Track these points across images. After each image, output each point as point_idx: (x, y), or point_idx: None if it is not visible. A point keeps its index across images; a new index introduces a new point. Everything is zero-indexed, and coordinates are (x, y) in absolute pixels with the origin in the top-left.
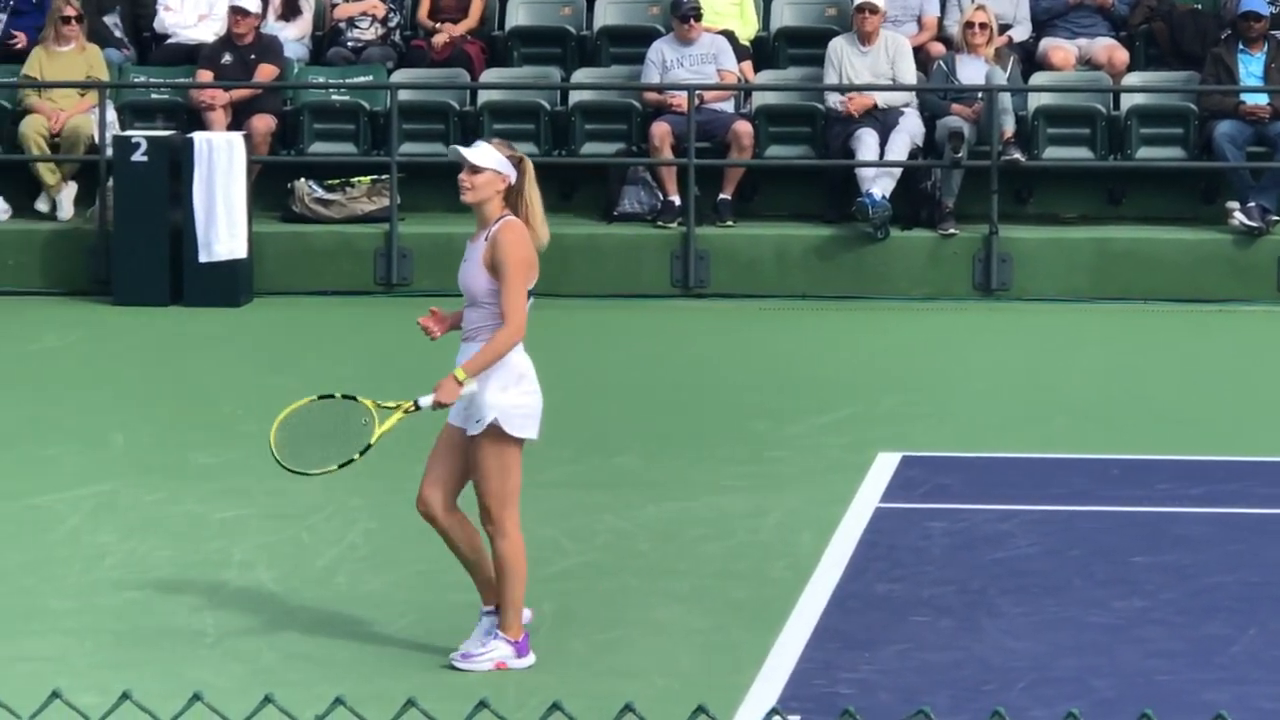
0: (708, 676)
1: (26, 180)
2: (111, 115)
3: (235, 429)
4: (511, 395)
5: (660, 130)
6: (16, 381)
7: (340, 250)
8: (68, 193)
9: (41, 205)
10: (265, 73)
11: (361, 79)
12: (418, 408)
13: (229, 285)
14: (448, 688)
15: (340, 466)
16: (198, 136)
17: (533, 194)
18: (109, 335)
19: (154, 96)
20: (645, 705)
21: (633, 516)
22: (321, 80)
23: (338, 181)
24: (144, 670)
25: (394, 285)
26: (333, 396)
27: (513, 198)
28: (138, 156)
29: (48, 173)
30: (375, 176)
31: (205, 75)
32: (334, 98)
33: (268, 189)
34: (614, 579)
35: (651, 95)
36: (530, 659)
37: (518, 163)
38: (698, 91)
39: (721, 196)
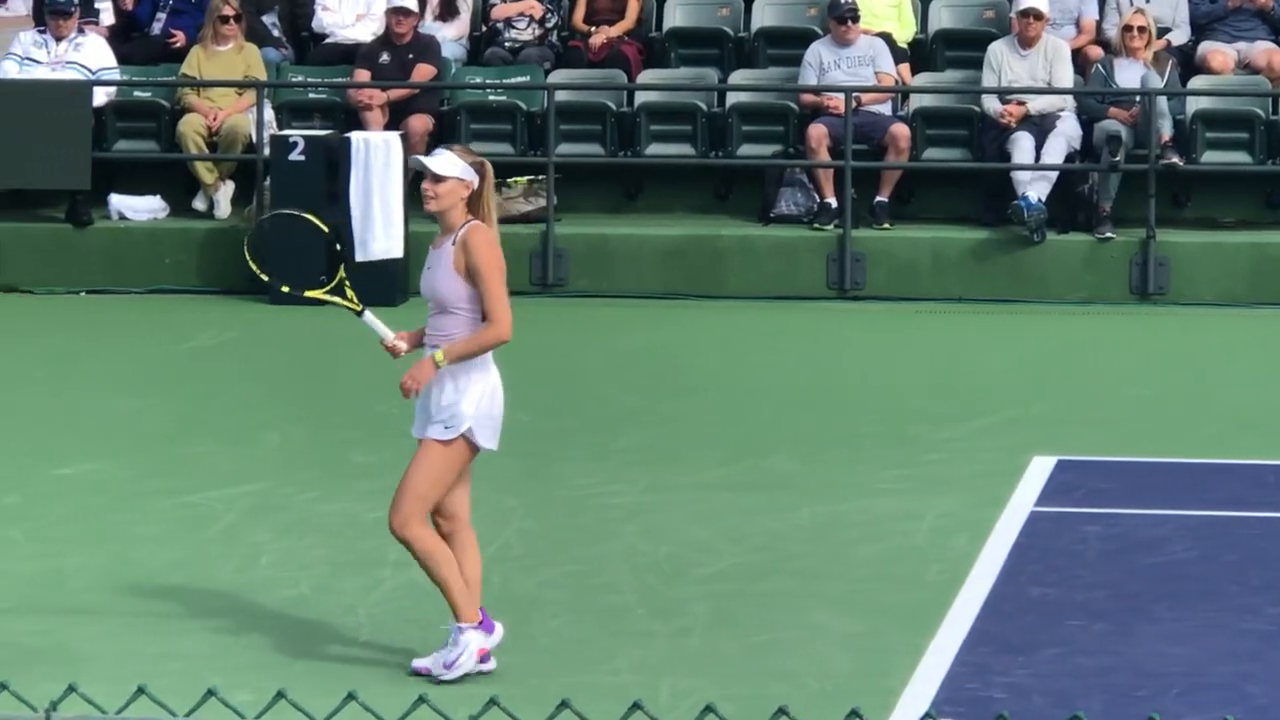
0: (861, 680)
1: (184, 179)
2: (269, 114)
3: (390, 428)
4: (484, 405)
5: (817, 132)
6: (172, 379)
7: None
8: (225, 191)
9: (199, 204)
10: (423, 73)
11: (519, 79)
12: (360, 314)
13: (385, 284)
14: (600, 689)
15: (269, 279)
16: (355, 136)
17: (490, 198)
18: (264, 334)
19: (311, 96)
20: (799, 708)
21: (787, 519)
22: (479, 80)
23: (495, 182)
24: (297, 669)
25: (550, 285)
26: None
27: (475, 203)
28: (295, 156)
29: (205, 171)
30: (532, 177)
31: (363, 75)
32: (491, 98)
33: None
34: (768, 581)
35: (809, 97)
36: (499, 632)
37: (479, 167)
38: (855, 94)
39: (878, 199)
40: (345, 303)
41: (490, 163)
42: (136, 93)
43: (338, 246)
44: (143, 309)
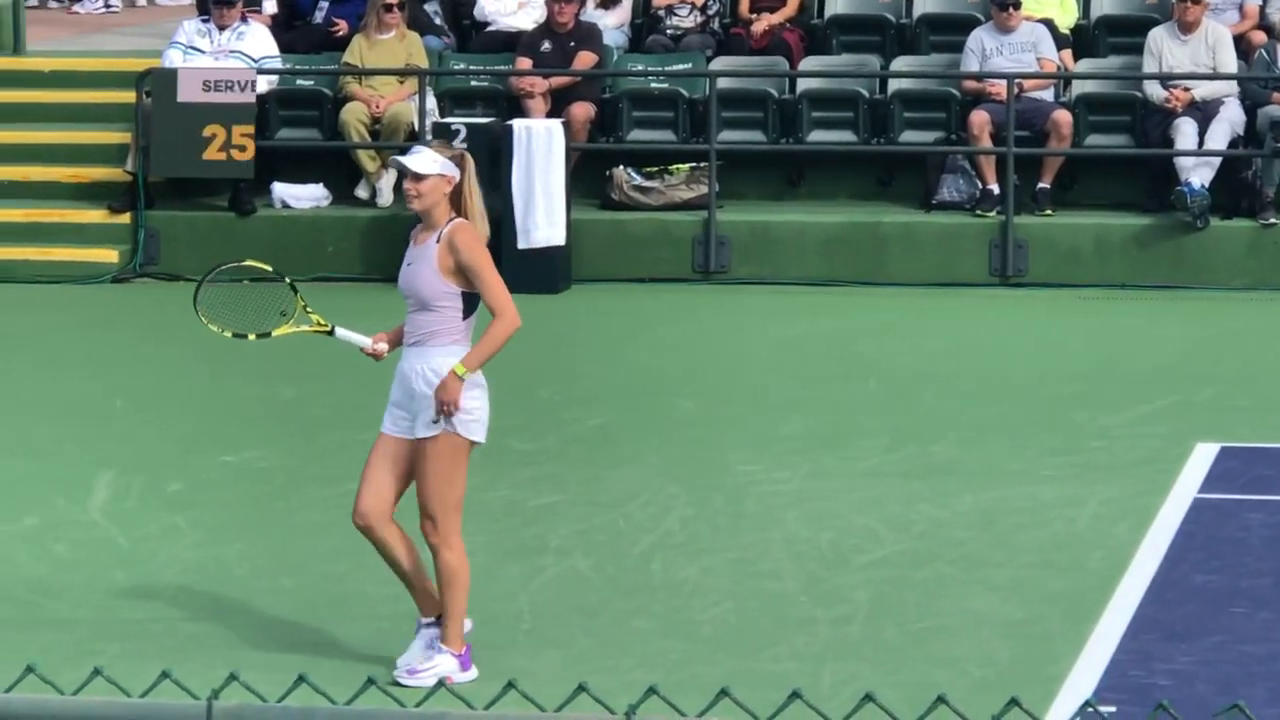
0: (1023, 667)
1: (347, 167)
2: (431, 102)
3: (551, 415)
4: (467, 399)
5: (979, 119)
6: (335, 367)
7: (658, 237)
8: (387, 180)
9: (361, 192)
10: (584, 60)
11: (680, 67)
12: (331, 333)
13: (547, 272)
14: (760, 675)
15: (232, 335)
16: (517, 124)
17: (473, 189)
18: None
19: (473, 84)
20: (960, 696)
21: (950, 505)
22: (640, 68)
23: (656, 169)
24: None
25: (712, 273)
26: (279, 279)
27: (457, 198)
28: (457, 143)
29: (368, 160)
30: (694, 164)
31: (524, 63)
32: (653, 85)
33: (586, 176)
34: (930, 568)
35: (970, 83)
36: (473, 672)
37: (460, 161)
38: (1017, 80)
39: (1040, 185)
40: (314, 328)
41: (469, 156)
42: (299, 81)
43: (287, 279)
44: (305, 297)
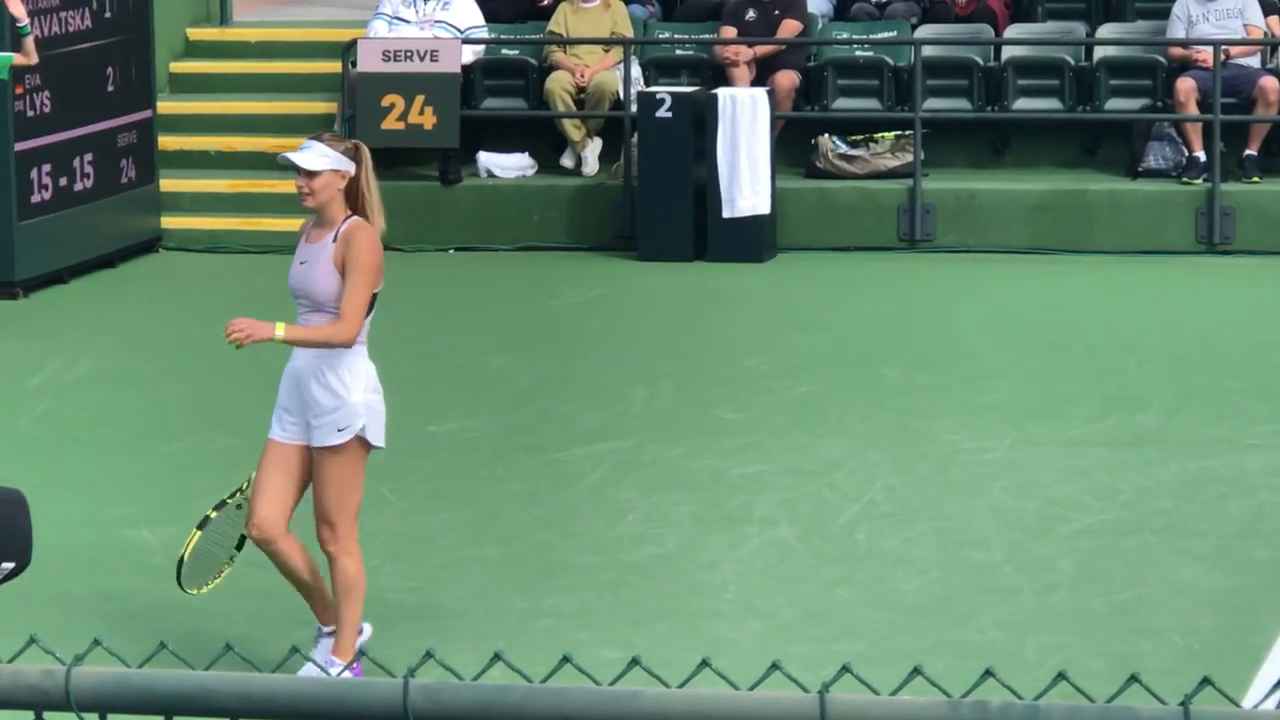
0: (1228, 637)
1: (552, 136)
2: (636, 71)
3: (757, 385)
4: (372, 401)
5: (1185, 86)
6: (540, 336)
7: (863, 206)
8: (593, 148)
9: (567, 161)
10: (789, 29)
11: (885, 35)
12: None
13: (752, 241)
14: (965, 646)
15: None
16: (721, 92)
17: (370, 182)
18: (632, 290)
19: (678, 53)
20: (1163, 666)
21: (1154, 474)
22: (845, 36)
23: (861, 137)
24: (661, 625)
25: (917, 241)
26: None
27: (354, 192)
28: (662, 113)
29: (573, 129)
30: (899, 132)
31: (729, 31)
32: (858, 54)
33: (791, 145)
34: (1135, 538)
35: (1176, 50)
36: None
37: (354, 153)
38: (1223, 46)
39: (1247, 152)
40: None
41: (365, 145)
42: (504, 51)
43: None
44: (511, 266)
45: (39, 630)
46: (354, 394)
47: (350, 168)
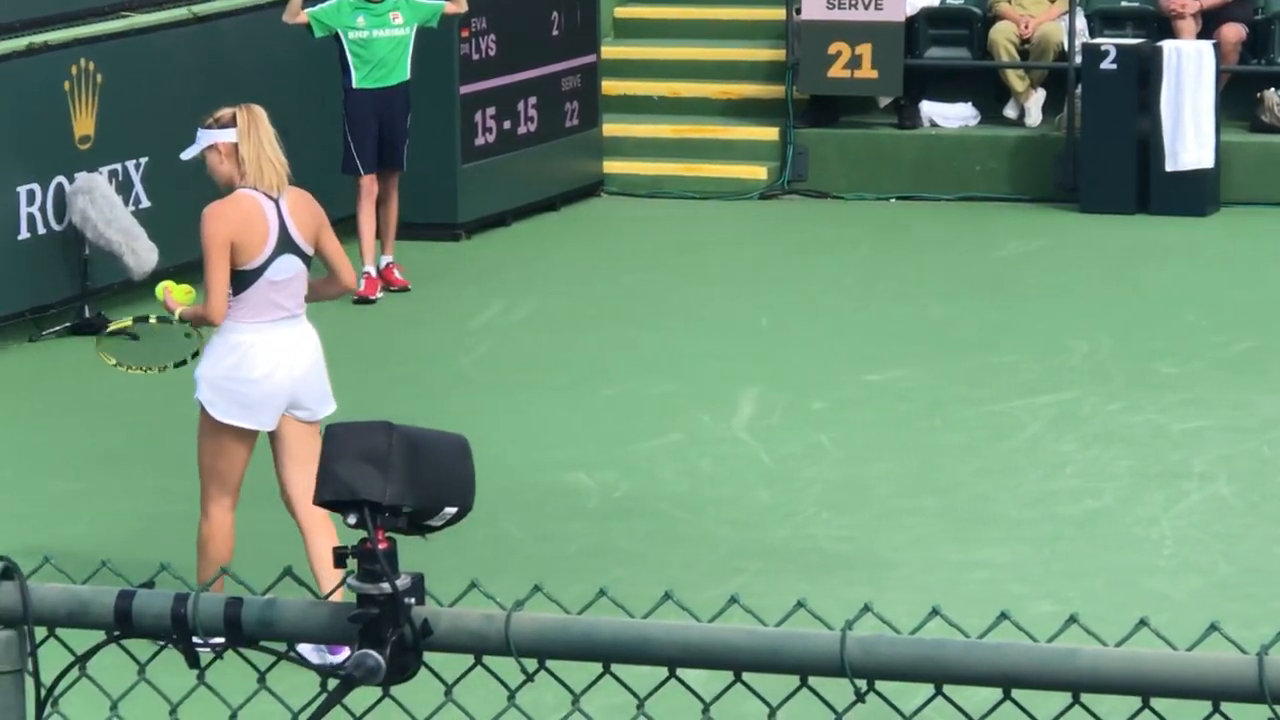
0: None
1: (995, 86)
2: (1081, 23)
3: (1197, 339)
4: (219, 379)
5: None
6: (979, 287)
7: None
8: (1036, 99)
9: (1009, 111)
10: None
11: None
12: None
13: (1195, 195)
14: None
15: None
16: (1166, 45)
17: (250, 141)
18: (1073, 243)
19: (1123, 4)
20: None
21: None
22: None
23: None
24: (1098, 580)
25: None
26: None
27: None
28: (1106, 65)
29: (1016, 79)
30: None
31: None
32: None
33: (1235, 99)
34: None
35: None
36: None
37: (233, 119)
38: None
39: None
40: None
41: (252, 107)
42: (949, 0)
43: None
44: (952, 217)
45: (476, 573)
46: (204, 365)
47: (225, 137)
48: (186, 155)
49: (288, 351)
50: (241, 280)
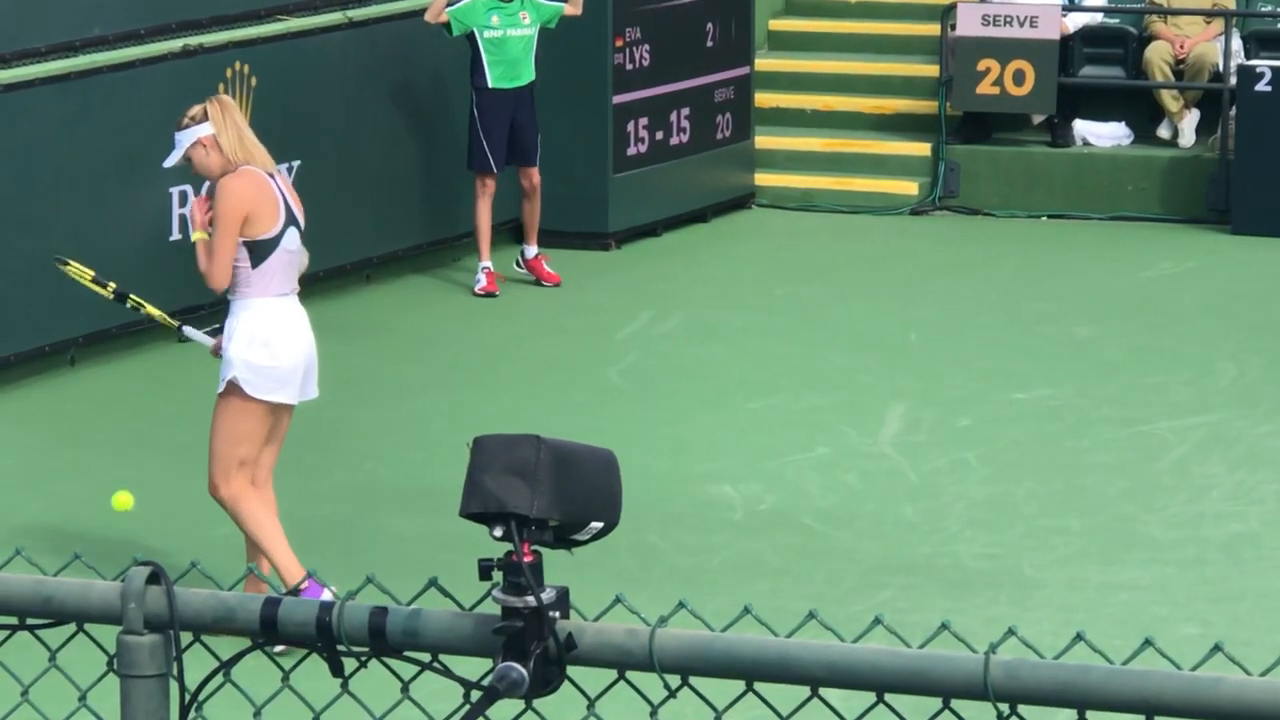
0: None
1: (1149, 106)
2: (1237, 44)
3: None
4: (251, 356)
5: None
6: (1129, 307)
7: None
8: (1190, 120)
9: (1163, 132)
10: None
11: None
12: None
13: None
14: None
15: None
16: None
17: (227, 129)
18: (1223, 264)
19: (1279, 26)
20: None
21: None
22: None
23: None
24: (1242, 604)
25: None
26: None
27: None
28: (1261, 86)
29: (1170, 100)
30: None
31: None
32: None
33: None
34: None
35: None
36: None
37: (204, 114)
38: None
39: None
40: (161, 318)
41: (219, 98)
42: (1105, 19)
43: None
44: (1103, 236)
45: (620, 584)
46: (233, 346)
47: (202, 131)
48: (169, 162)
49: (302, 327)
50: (262, 250)
